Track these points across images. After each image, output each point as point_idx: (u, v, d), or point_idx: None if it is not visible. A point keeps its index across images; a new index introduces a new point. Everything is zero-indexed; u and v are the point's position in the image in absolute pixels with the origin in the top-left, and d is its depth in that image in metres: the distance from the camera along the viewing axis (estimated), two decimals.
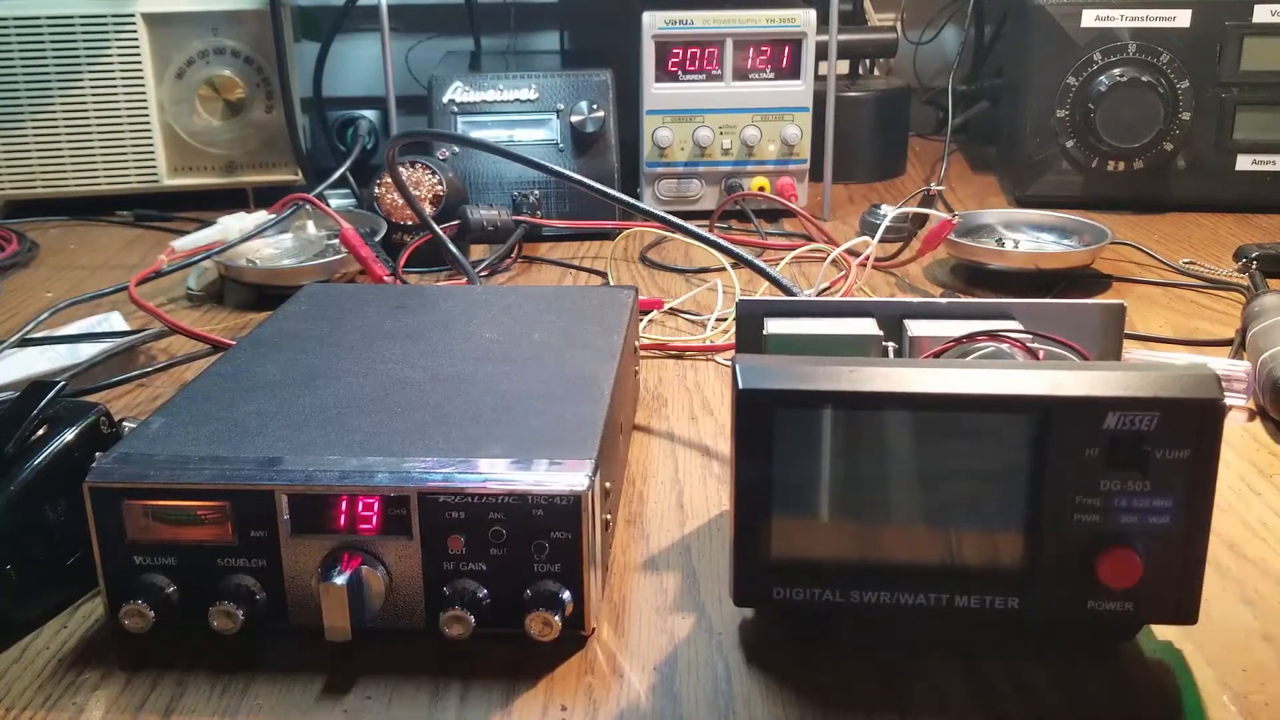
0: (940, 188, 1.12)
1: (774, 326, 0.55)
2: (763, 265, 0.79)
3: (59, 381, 0.55)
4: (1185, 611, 0.46)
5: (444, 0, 1.43)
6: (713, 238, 0.82)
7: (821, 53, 1.14)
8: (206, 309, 0.93)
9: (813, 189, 1.19)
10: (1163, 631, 0.49)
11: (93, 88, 1.15)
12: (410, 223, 0.99)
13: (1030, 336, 0.52)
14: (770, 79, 1.13)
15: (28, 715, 0.45)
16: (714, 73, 1.13)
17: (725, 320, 0.86)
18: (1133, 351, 0.79)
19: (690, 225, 0.81)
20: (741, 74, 1.13)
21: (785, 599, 0.47)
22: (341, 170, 1.14)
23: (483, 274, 0.95)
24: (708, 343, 0.83)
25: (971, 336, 0.52)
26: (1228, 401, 0.62)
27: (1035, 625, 0.48)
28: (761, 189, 1.14)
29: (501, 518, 0.47)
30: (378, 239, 0.96)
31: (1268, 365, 0.70)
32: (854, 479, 0.46)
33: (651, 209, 0.85)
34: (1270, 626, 0.50)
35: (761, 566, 0.47)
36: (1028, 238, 1.00)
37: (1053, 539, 0.45)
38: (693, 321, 0.88)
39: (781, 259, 0.96)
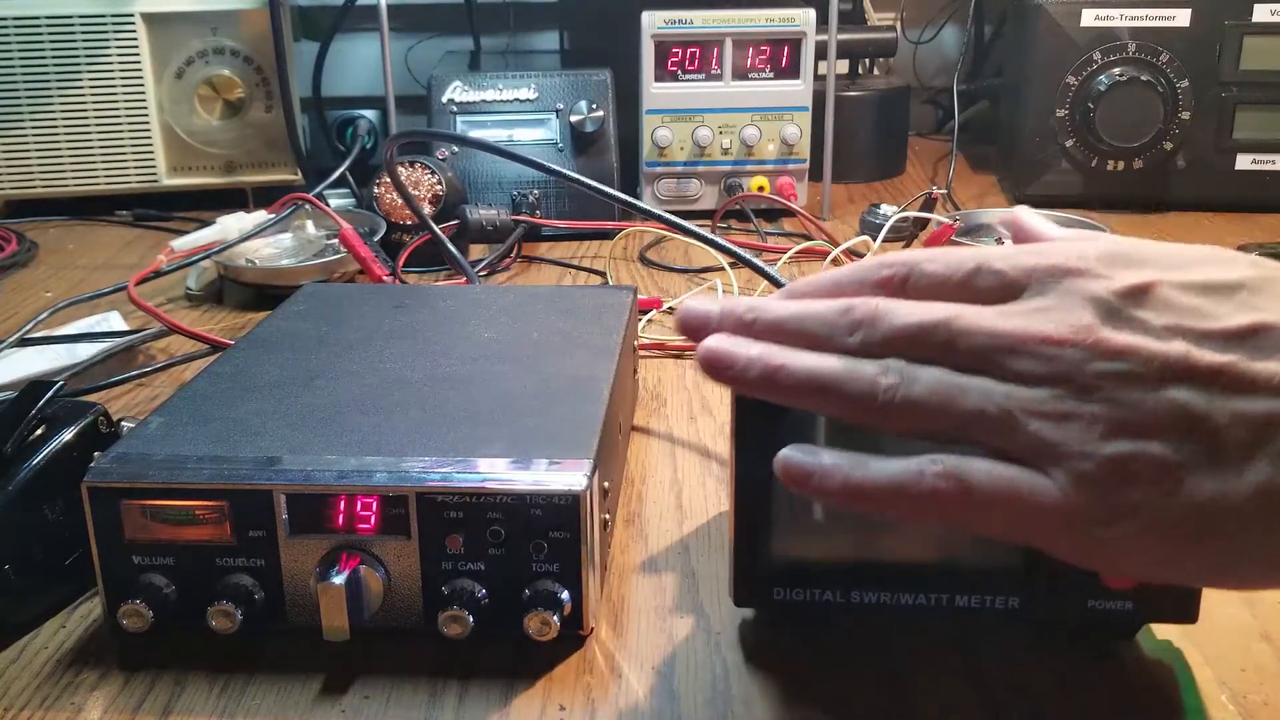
0: (942, 191, 1.12)
1: None
2: (762, 265, 0.79)
3: (57, 381, 0.55)
4: (1185, 611, 0.45)
5: (444, 0, 1.43)
6: (712, 237, 0.82)
7: (821, 52, 1.14)
8: (205, 309, 0.93)
9: (812, 188, 1.19)
10: (1163, 631, 0.49)
11: (92, 87, 1.15)
12: (409, 222, 0.99)
13: None
14: (770, 78, 1.13)
15: (25, 715, 0.45)
16: (713, 72, 1.13)
17: None
18: None
19: (689, 225, 0.81)
20: (741, 73, 1.13)
21: (785, 599, 0.47)
22: (341, 170, 1.14)
23: (482, 274, 0.95)
24: None
25: None
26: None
27: (1035, 625, 0.48)
28: (761, 189, 1.14)
29: (500, 517, 0.47)
30: (377, 239, 0.96)
31: None
32: None
33: (651, 209, 0.85)
34: (1269, 626, 0.50)
35: (761, 567, 0.47)
36: None
37: None
38: None
39: (780, 258, 0.96)
